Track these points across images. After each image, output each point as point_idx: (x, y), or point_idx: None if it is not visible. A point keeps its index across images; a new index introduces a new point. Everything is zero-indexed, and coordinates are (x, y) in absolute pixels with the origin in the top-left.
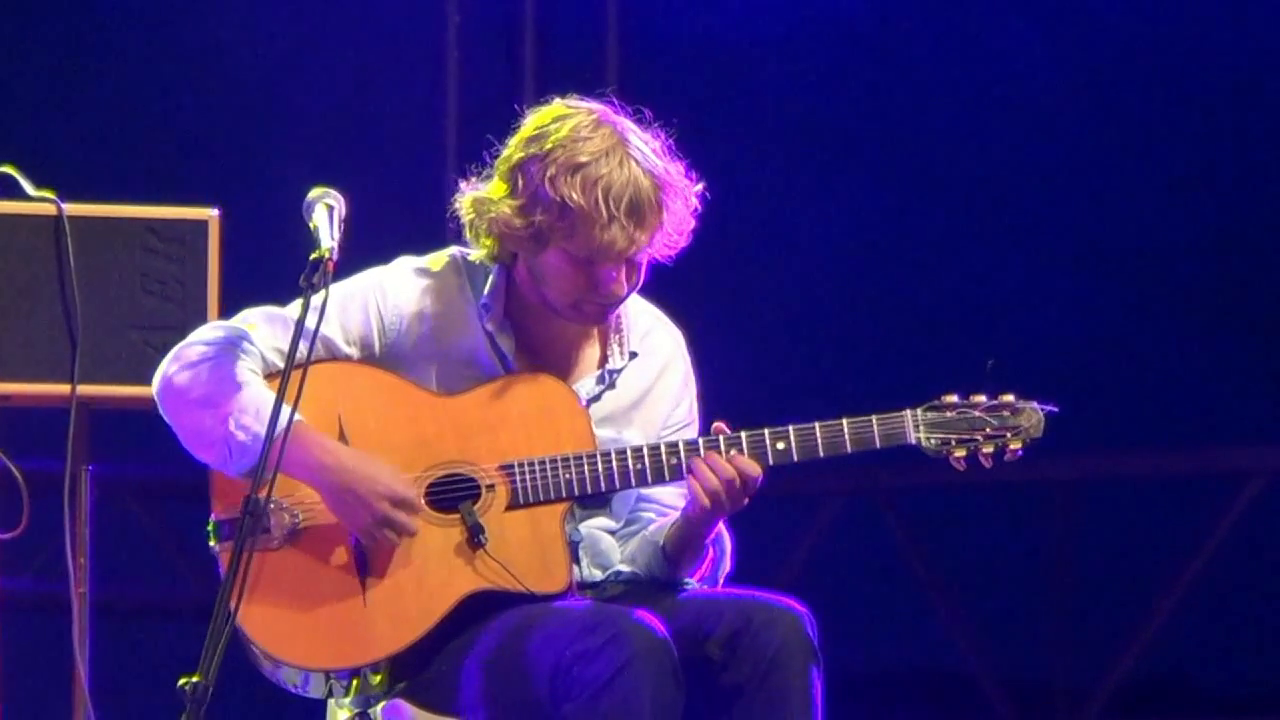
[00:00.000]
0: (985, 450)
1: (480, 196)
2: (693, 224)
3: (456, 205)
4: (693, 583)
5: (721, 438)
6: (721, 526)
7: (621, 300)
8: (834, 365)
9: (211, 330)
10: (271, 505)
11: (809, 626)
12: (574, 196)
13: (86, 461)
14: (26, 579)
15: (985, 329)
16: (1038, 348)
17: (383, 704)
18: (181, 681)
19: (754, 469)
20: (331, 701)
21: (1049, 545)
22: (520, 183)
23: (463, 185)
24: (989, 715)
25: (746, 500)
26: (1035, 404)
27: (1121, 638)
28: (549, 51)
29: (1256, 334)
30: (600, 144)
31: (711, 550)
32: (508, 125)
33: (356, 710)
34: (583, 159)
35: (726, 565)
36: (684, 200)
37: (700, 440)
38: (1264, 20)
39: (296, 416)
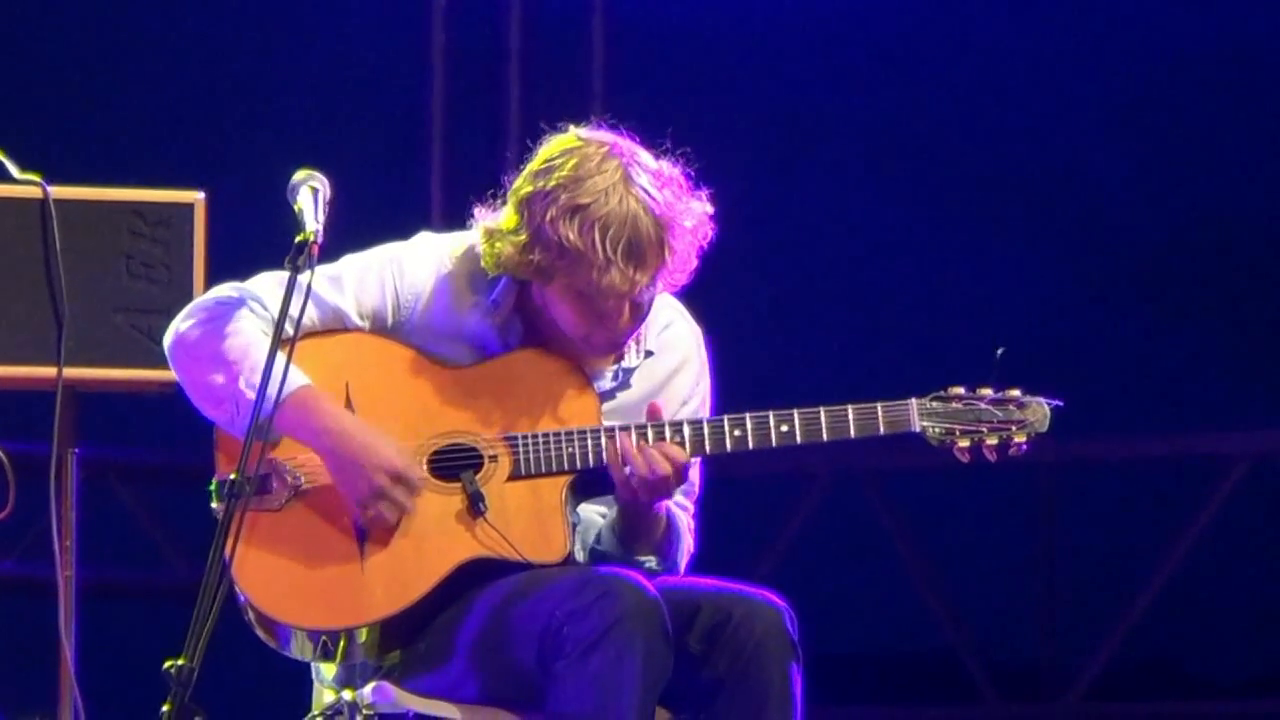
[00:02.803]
0: (989, 442)
1: (491, 228)
2: (697, 254)
3: (473, 230)
4: (653, 561)
5: (726, 420)
6: (675, 512)
7: (630, 333)
8: (832, 353)
9: (227, 290)
10: (274, 467)
11: (789, 621)
12: (570, 238)
13: (72, 444)
14: (12, 562)
15: (972, 317)
16: (1024, 333)
17: (371, 684)
18: (167, 664)
19: (679, 456)
20: (318, 683)
21: (1034, 528)
22: (525, 217)
23: (477, 212)
24: (973, 698)
25: (669, 491)
26: (1041, 398)
27: (1106, 621)
28: (535, 36)
29: (1242, 320)
30: (603, 182)
31: (663, 533)
32: (493, 110)
33: (341, 688)
34: (583, 200)
35: (687, 543)
36: (691, 236)
37: (705, 421)
38: (1246, 18)
39: (305, 380)
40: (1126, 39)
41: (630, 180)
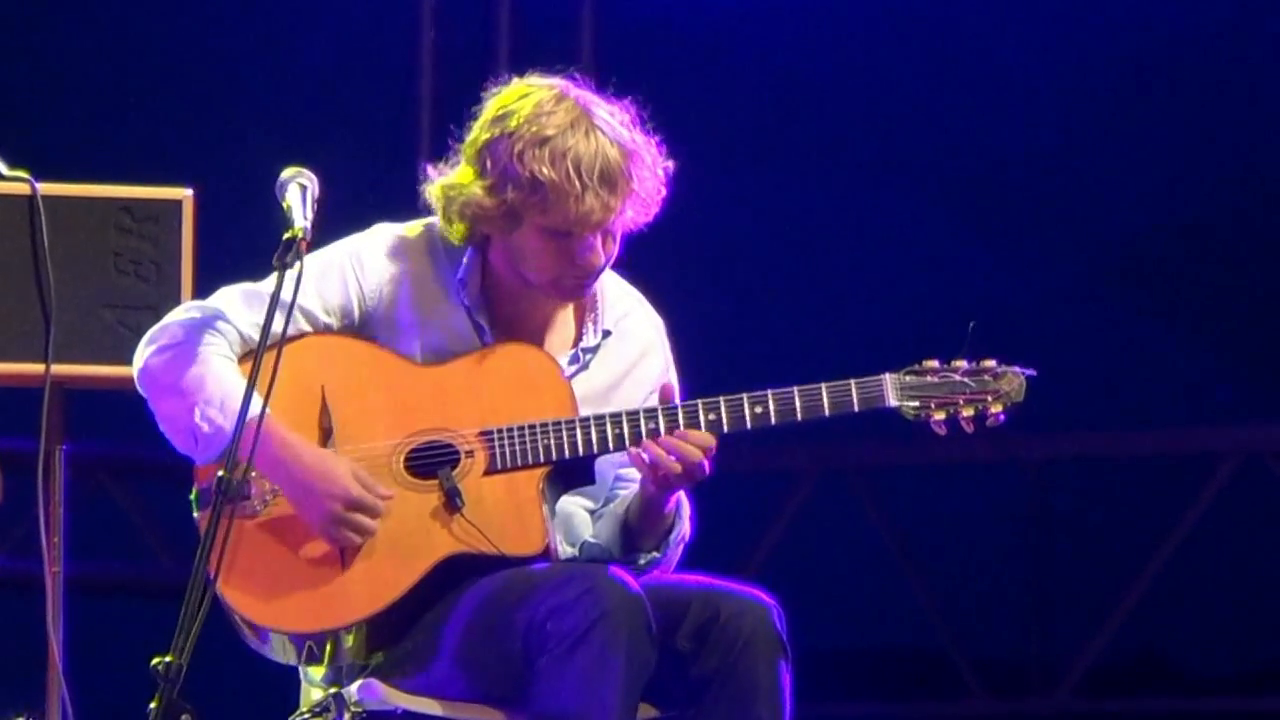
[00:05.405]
0: (965, 413)
1: (449, 182)
2: (663, 191)
3: (426, 193)
4: (646, 556)
5: (700, 404)
6: (682, 498)
7: (599, 271)
8: (810, 340)
9: (186, 312)
10: (253, 474)
11: (777, 619)
12: (544, 170)
13: (60, 441)
14: (0, 558)
15: (957, 310)
16: (1013, 329)
17: (358, 682)
18: (155, 661)
19: (707, 440)
20: (305, 683)
21: (1022, 524)
22: (488, 163)
23: (430, 172)
24: (963, 694)
25: (707, 470)
26: (1016, 368)
27: (1095, 617)
28: (524, 31)
29: (1232, 316)
30: (564, 117)
31: (670, 521)
32: (482, 107)
33: (329, 686)
34: (549, 132)
35: (685, 528)
36: (652, 168)
37: (679, 406)
38: (1234, 13)
39: (257, 410)
40: (1117, 32)
41: (590, 114)
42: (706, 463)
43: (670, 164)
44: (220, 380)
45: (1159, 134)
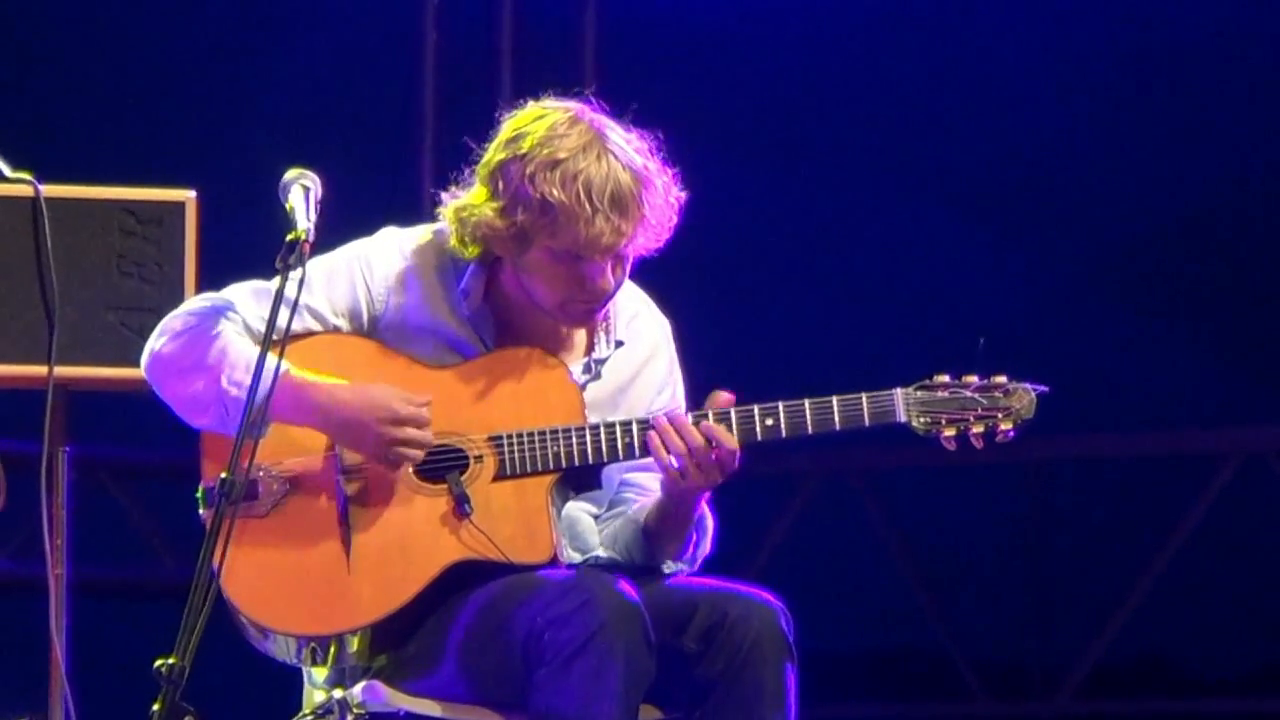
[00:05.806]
0: (976, 430)
1: (461, 204)
2: (675, 218)
3: (440, 216)
4: (673, 564)
5: (711, 414)
6: (705, 509)
7: (608, 298)
8: (819, 350)
9: (197, 301)
10: (260, 473)
11: (784, 621)
12: (554, 193)
13: (63, 443)
14: (3, 560)
15: (959, 313)
16: (1013, 330)
17: (362, 684)
18: (158, 663)
19: (729, 440)
20: (308, 684)
21: (1024, 527)
22: (500, 185)
23: (444, 196)
24: (964, 696)
25: (721, 476)
26: (1027, 385)
27: (1096, 619)
28: (526, 33)
29: (1231, 317)
30: (577, 140)
31: (694, 533)
32: (484, 108)
33: (332, 688)
34: (560, 155)
35: (706, 547)
36: (664, 194)
37: (690, 416)
38: (1232, 13)
39: (284, 366)
40: (1113, 34)
41: (604, 137)
42: (721, 466)
43: (684, 194)
44: (242, 351)
45: (1159, 134)
